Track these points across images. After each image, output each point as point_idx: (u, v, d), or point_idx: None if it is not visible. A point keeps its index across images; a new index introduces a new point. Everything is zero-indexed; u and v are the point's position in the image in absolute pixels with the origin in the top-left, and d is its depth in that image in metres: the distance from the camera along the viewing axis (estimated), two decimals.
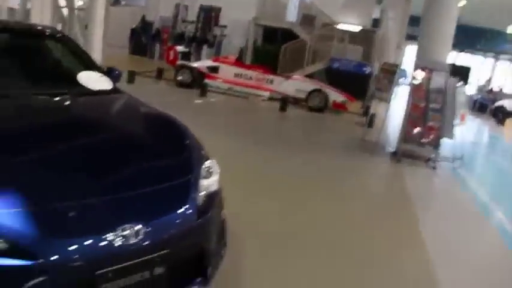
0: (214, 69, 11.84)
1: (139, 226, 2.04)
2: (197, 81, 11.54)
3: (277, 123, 9.58)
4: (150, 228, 2.07)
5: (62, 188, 2.07)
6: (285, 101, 10.45)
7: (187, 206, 2.32)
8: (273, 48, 15.23)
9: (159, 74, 12.53)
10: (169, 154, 2.65)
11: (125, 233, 1.98)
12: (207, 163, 2.65)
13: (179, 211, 2.29)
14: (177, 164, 2.57)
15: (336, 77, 13.08)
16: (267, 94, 11.39)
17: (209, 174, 2.60)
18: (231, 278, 2.96)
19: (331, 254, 3.59)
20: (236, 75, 11.69)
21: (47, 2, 10.71)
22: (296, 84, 11.32)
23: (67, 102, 3.19)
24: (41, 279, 1.81)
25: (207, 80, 11.54)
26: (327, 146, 7.80)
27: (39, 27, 4.21)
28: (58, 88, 3.30)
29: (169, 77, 12.29)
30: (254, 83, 11.54)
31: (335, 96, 11.01)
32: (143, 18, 19.65)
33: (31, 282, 1.79)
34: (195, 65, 12.24)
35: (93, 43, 11.52)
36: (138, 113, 3.19)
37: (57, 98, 3.16)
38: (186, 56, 13.33)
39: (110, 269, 1.94)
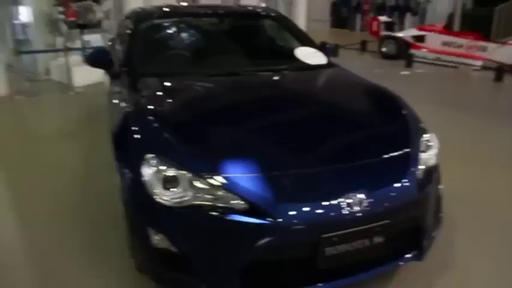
0: (420, 39, 11.44)
1: (363, 196, 2.19)
2: (402, 52, 11.36)
3: (493, 93, 8.90)
4: (372, 199, 2.20)
5: (293, 157, 2.34)
6: (501, 70, 9.62)
7: (407, 179, 2.39)
8: (485, 11, 13.91)
9: (363, 46, 12.67)
10: (388, 127, 2.75)
11: (349, 201, 2.16)
12: (426, 136, 2.71)
13: (400, 183, 2.36)
14: (396, 137, 2.65)
15: None
16: (479, 63, 10.60)
17: (428, 147, 2.65)
18: (442, 254, 2.96)
19: None
20: (444, 43, 11.12)
21: None
22: None
23: (289, 77, 3.51)
24: (274, 237, 2.07)
25: (412, 50, 11.27)
26: None
27: (257, 9, 4.78)
28: (278, 64, 3.68)
29: (373, 48, 12.34)
30: (464, 51, 10.82)
31: None
32: None
33: (265, 239, 2.06)
34: (399, 35, 12.01)
35: (298, 19, 12.24)
36: (355, 86, 3.35)
37: (279, 74, 3.52)
38: (389, 26, 13.10)
39: (334, 233, 2.13)
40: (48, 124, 5.85)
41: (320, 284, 2.24)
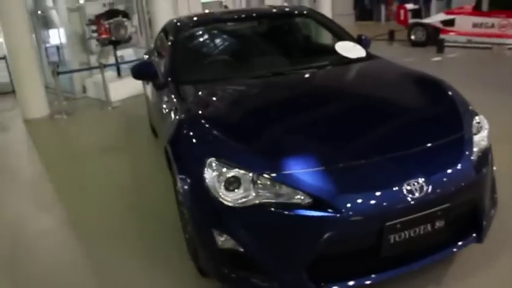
0: (449, 23, 11.23)
1: (422, 181, 2.21)
2: (432, 38, 11.19)
3: None
4: (432, 183, 2.22)
5: (351, 149, 2.38)
6: None
7: (463, 161, 2.41)
8: None
9: (391, 36, 12.54)
10: (439, 112, 2.76)
11: (410, 187, 2.18)
12: (476, 118, 2.72)
13: (457, 166, 2.38)
14: (449, 121, 2.66)
15: None
16: None
17: (479, 129, 2.66)
18: (499, 235, 2.93)
19: None
20: (475, 25, 10.88)
21: None
22: None
23: (333, 72, 3.54)
24: (339, 228, 2.12)
25: (442, 36, 11.08)
26: None
27: (290, 8, 4.82)
28: (319, 61, 3.72)
29: (401, 37, 12.20)
30: (497, 30, 10.56)
31: None
32: None
33: (331, 231, 2.11)
34: (427, 21, 11.82)
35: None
36: (400, 75, 3.34)
37: (322, 70, 3.54)
38: (416, 13, 12.92)
39: (397, 220, 2.15)
40: (92, 139, 6.03)
41: (386, 272, 2.28)
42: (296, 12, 4.45)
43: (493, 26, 10.62)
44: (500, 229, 2.98)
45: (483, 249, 2.78)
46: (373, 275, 2.26)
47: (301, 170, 2.23)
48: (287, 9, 4.65)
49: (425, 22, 11.73)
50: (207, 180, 2.28)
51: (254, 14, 4.46)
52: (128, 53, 8.59)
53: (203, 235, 2.39)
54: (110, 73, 8.28)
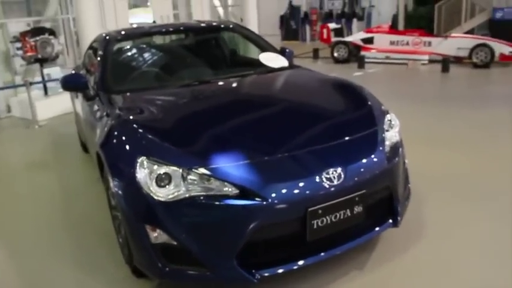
0: (368, 41, 12.03)
1: (340, 170, 2.45)
2: (353, 55, 11.92)
3: (441, 84, 9.46)
4: (348, 172, 2.47)
5: (273, 145, 2.57)
6: (446, 62, 10.24)
7: (376, 153, 2.69)
8: (425, 10, 14.72)
9: (316, 54, 13.17)
10: (355, 110, 3.05)
11: (329, 175, 2.42)
12: (388, 116, 3.02)
13: (370, 157, 2.65)
14: (363, 118, 2.95)
15: (499, 28, 12.20)
16: (426, 57, 11.22)
17: (390, 126, 2.96)
18: (414, 223, 3.23)
19: None
20: (392, 42, 11.73)
21: (206, 4, 12.06)
22: (456, 43, 10.93)
23: (257, 79, 3.76)
24: (266, 215, 2.29)
25: (363, 52, 11.81)
26: (501, 100, 7.57)
27: (217, 23, 5.04)
28: (244, 70, 3.94)
29: (325, 55, 12.84)
30: (411, 48, 11.45)
31: (502, 48, 10.39)
32: (290, 4, 20.38)
33: (259, 219, 2.27)
34: (349, 39, 12.57)
35: None
36: (319, 80, 3.64)
37: (247, 77, 3.76)
38: (338, 32, 13.67)
39: (319, 206, 2.37)
40: (19, 158, 5.86)
41: (313, 257, 2.47)
42: (222, 26, 4.66)
43: (407, 43, 11.49)
44: (415, 219, 3.30)
45: (400, 237, 3.07)
46: (301, 260, 2.44)
47: (228, 164, 2.39)
48: (214, 23, 4.85)
49: (347, 40, 12.44)
50: (138, 178, 2.38)
51: (182, 28, 4.63)
52: (55, 71, 8.39)
53: (137, 233, 2.46)
54: (36, 91, 8.05)
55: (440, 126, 5.85)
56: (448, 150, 4.88)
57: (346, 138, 2.73)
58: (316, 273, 2.74)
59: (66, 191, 4.49)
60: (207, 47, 4.52)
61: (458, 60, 10.86)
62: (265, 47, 4.37)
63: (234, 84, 3.64)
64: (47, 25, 8.75)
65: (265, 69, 3.96)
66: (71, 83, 3.67)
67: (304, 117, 2.95)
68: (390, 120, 3.03)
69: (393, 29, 12.10)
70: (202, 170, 2.35)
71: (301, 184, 2.39)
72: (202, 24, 4.63)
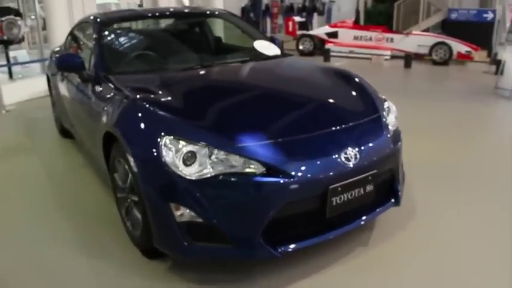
0: (333, 35, 12.32)
1: (356, 150, 2.61)
2: (318, 48, 12.18)
3: (406, 78, 9.87)
4: (363, 153, 2.63)
5: (292, 126, 2.71)
6: (408, 58, 10.67)
7: (383, 136, 2.88)
8: (384, 7, 15.24)
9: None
10: (358, 97, 3.21)
11: (347, 155, 2.56)
12: (386, 103, 3.21)
13: (379, 140, 2.84)
14: (367, 104, 3.12)
15: (454, 28, 12.83)
16: (388, 53, 11.63)
17: (389, 112, 3.15)
18: (408, 206, 3.42)
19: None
20: (355, 37, 12.07)
21: None
22: (417, 40, 11.37)
23: (260, 65, 3.85)
24: (290, 192, 2.39)
25: (327, 46, 12.09)
26: (461, 94, 8.02)
27: (210, 10, 5.06)
28: (241, 56, 4.05)
29: (289, 47, 13.00)
30: (374, 43, 11.83)
31: (459, 47, 10.93)
32: None
33: (284, 196, 2.38)
34: (314, 33, 12.82)
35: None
36: (318, 68, 3.79)
37: (248, 63, 3.85)
38: (303, 25, 13.92)
39: (339, 184, 2.50)
40: None
41: (331, 232, 2.61)
42: (216, 12, 4.69)
43: (371, 39, 11.86)
44: (407, 199, 3.50)
45: (397, 217, 3.27)
46: (320, 235, 2.57)
47: (253, 143, 2.47)
48: (208, 11, 4.85)
49: (312, 34, 12.68)
50: (164, 156, 2.41)
51: (173, 12, 4.61)
52: (21, 54, 8.09)
53: (160, 212, 2.48)
54: (0, 75, 7.74)
55: (410, 117, 6.11)
56: (421, 137, 5.16)
57: (356, 122, 2.88)
58: (324, 249, 2.87)
59: (52, 177, 4.38)
60: (201, 32, 4.54)
61: (418, 56, 11.31)
62: (255, 34, 4.46)
63: (239, 69, 3.70)
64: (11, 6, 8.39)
65: (261, 56, 4.04)
66: (66, 63, 3.60)
67: (314, 101, 3.08)
68: (388, 107, 3.21)
69: (357, 24, 12.43)
70: (228, 149, 2.41)
71: (323, 163, 2.52)
72: (198, 11, 4.64)
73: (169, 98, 2.91)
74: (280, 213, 2.42)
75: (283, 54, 4.22)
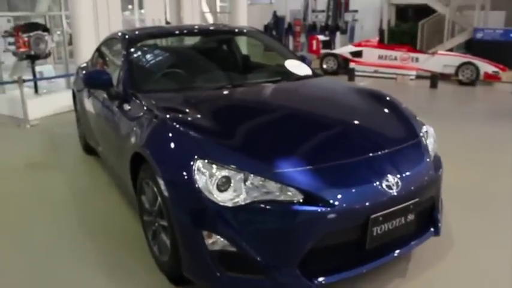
0: (357, 54, 12.21)
1: (398, 177, 2.45)
2: (342, 67, 12.07)
3: (432, 99, 9.67)
4: (404, 180, 2.47)
5: (331, 152, 2.56)
6: (434, 78, 10.48)
7: (424, 162, 2.72)
8: (407, 26, 15.15)
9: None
10: (397, 121, 3.06)
11: (388, 183, 2.41)
12: (424, 127, 3.06)
13: (420, 166, 2.69)
14: (406, 129, 2.97)
15: (480, 48, 12.63)
16: (413, 73, 11.46)
17: (428, 136, 2.99)
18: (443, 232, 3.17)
19: None
20: (380, 57, 11.93)
21: (196, 9, 12.04)
22: (443, 60, 11.18)
23: (292, 86, 3.73)
24: (330, 222, 2.24)
25: (352, 65, 11.97)
26: (491, 116, 7.79)
27: (236, 28, 5.00)
28: (271, 76, 3.96)
29: (313, 66, 12.92)
30: (399, 63, 11.67)
31: (486, 67, 10.71)
32: (275, 14, 20.50)
33: (323, 225, 2.23)
34: (338, 51, 12.73)
35: None
36: (353, 90, 3.65)
37: (281, 83, 3.73)
38: (327, 44, 13.86)
39: (380, 213, 2.35)
40: (16, 157, 5.56)
41: (370, 263, 2.45)
42: (245, 31, 4.62)
43: (396, 58, 11.71)
44: (443, 227, 3.29)
45: (433, 245, 3.09)
46: (358, 267, 2.42)
47: (291, 169, 2.33)
48: (237, 29, 4.79)
49: (336, 52, 12.58)
50: (197, 182, 2.29)
51: (201, 30, 4.56)
52: (47, 69, 8.15)
53: (192, 239, 2.35)
54: (26, 90, 7.77)
55: (438, 139, 5.93)
56: (452, 162, 4.94)
57: (396, 147, 2.74)
58: (359, 282, 2.70)
59: (76, 195, 4.30)
60: (229, 50, 4.47)
61: (444, 77, 11.11)
62: (286, 53, 4.37)
63: (271, 89, 3.59)
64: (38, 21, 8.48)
65: (293, 77, 3.95)
66: (94, 80, 3.54)
67: (352, 125, 2.94)
68: (427, 131, 3.06)
69: (381, 43, 12.30)
70: (265, 174, 2.29)
71: (364, 190, 2.38)
72: (226, 28, 4.57)
73: (202, 119, 2.80)
74: (318, 244, 2.28)
75: (315, 74, 4.11)
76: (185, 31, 4.55)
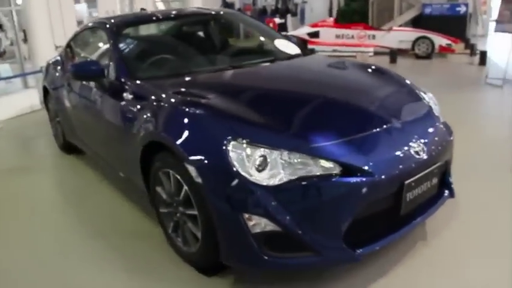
0: (315, 35, 12.33)
1: (423, 143, 2.52)
2: (302, 49, 12.13)
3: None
4: (428, 145, 2.55)
5: (358, 124, 2.55)
6: (394, 53, 10.76)
7: (439, 128, 2.83)
8: (358, 5, 15.38)
9: None
10: (406, 93, 3.14)
11: (416, 149, 2.47)
12: (428, 95, 3.14)
13: (437, 132, 2.78)
14: (416, 99, 3.05)
15: (429, 23, 13.02)
16: (371, 50, 11.70)
17: (432, 103, 3.08)
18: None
19: None
20: (337, 36, 12.11)
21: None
22: (399, 36, 11.50)
23: (292, 64, 3.68)
24: (370, 192, 2.24)
25: (310, 46, 12.07)
26: (456, 86, 8.09)
27: (221, 10, 4.91)
28: (265, 56, 3.88)
29: None
30: (357, 41, 11.89)
31: (440, 40, 11.09)
32: (224, 1, 20.33)
33: (364, 196, 2.23)
34: (295, 33, 12.78)
35: None
36: (353, 65, 3.68)
37: (279, 63, 3.68)
38: (282, 26, 13.90)
39: (413, 178, 2.41)
40: None
41: (403, 228, 2.51)
42: (228, 13, 4.55)
43: (353, 37, 11.90)
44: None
45: (445, 210, 3.14)
46: (393, 234, 2.46)
47: (324, 143, 2.32)
48: (221, 12, 4.67)
49: (293, 34, 12.62)
50: (234, 164, 2.22)
51: (184, 14, 4.44)
52: (4, 69, 7.67)
53: (232, 224, 2.26)
54: None
55: None
56: None
57: (414, 116, 2.81)
58: (383, 250, 2.72)
59: (69, 195, 4.11)
60: (220, 33, 4.37)
61: (402, 52, 11.41)
62: (272, 34, 4.35)
63: (275, 69, 3.55)
64: None
65: (284, 55, 3.92)
66: (84, 71, 3.38)
67: (369, 98, 2.93)
68: (432, 99, 3.14)
69: (338, 23, 12.46)
70: (301, 150, 2.26)
71: (397, 158, 2.42)
72: (212, 12, 4.44)
73: (221, 101, 2.69)
74: (360, 214, 2.29)
75: (305, 53, 4.11)
76: (169, 15, 4.39)
